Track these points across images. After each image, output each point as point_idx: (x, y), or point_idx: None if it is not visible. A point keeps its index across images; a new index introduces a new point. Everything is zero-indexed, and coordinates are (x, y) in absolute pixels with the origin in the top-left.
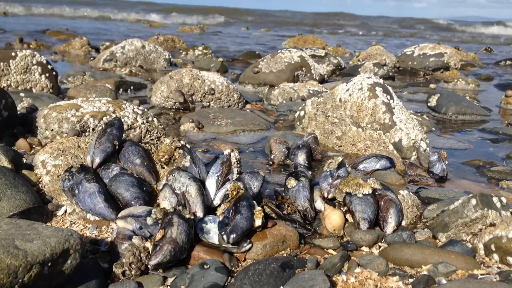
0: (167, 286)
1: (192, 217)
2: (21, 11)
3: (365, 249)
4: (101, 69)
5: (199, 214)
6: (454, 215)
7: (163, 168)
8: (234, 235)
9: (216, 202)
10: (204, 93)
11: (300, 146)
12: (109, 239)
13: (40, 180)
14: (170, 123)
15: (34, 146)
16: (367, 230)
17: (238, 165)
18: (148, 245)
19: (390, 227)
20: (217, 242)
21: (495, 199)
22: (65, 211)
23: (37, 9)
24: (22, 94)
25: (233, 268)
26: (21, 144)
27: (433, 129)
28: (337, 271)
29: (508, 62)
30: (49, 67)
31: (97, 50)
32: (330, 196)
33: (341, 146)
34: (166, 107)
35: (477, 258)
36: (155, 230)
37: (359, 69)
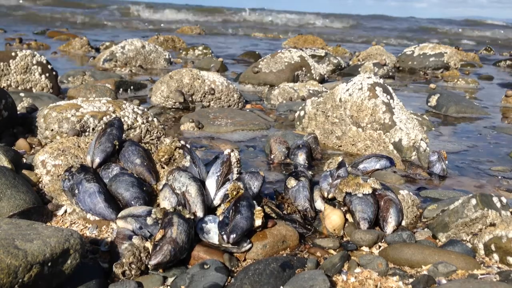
0: (167, 286)
1: (192, 217)
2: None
3: (365, 249)
4: (101, 69)
5: (199, 214)
6: (454, 215)
7: (163, 168)
8: (234, 235)
9: (216, 202)
10: (204, 93)
11: (300, 146)
12: (109, 239)
13: (40, 180)
14: (170, 123)
15: (34, 146)
16: (367, 230)
17: (238, 165)
18: (148, 245)
19: (390, 227)
20: (217, 242)
21: (495, 199)
22: (65, 211)
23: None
24: (22, 94)
25: (233, 268)
26: (21, 144)
27: (433, 129)
28: (337, 271)
29: (508, 62)
30: (49, 67)
31: (97, 50)
32: (330, 196)
33: (341, 146)
34: (166, 107)
35: (477, 258)
36: (155, 230)
37: (359, 69)
